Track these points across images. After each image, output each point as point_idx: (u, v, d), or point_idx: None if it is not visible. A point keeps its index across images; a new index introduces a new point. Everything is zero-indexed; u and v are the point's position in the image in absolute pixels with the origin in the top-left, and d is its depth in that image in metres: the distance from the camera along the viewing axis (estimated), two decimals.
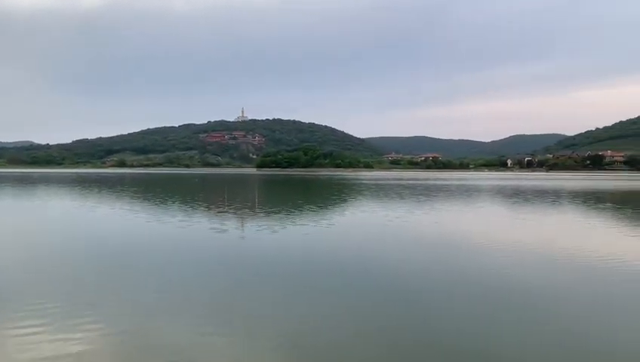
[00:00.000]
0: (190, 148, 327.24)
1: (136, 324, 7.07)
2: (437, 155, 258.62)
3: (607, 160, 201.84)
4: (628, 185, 63.04)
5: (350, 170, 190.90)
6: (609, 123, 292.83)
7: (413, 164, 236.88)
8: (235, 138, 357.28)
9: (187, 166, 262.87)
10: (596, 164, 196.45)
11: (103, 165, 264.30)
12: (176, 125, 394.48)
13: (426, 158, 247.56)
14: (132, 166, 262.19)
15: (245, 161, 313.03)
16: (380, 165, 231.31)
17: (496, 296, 8.67)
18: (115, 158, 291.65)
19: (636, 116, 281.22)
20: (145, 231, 16.95)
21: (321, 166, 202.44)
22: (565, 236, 16.51)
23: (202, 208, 25.46)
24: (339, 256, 12.31)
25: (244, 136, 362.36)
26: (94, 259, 11.85)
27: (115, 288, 9.03)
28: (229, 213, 22.79)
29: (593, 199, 34.88)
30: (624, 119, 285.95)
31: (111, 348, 6.23)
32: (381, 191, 43.94)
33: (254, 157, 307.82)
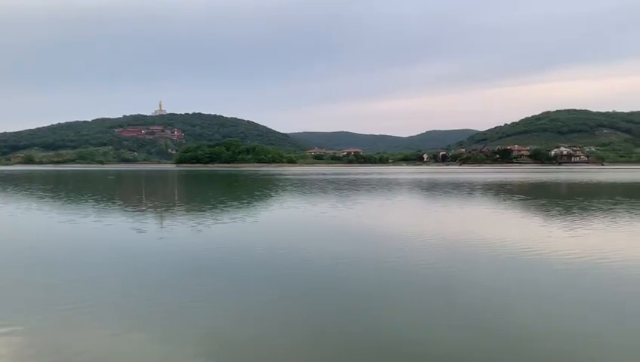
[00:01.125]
0: (104, 144, 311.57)
1: (42, 326, 6.63)
2: (358, 150, 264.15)
3: (514, 154, 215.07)
4: (534, 177, 67.59)
5: (274, 165, 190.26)
6: (516, 119, 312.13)
7: (335, 159, 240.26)
8: (152, 133, 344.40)
9: (101, 162, 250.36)
10: (505, 157, 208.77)
11: (8, 162, 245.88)
12: (90, 120, 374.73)
13: (348, 153, 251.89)
14: (41, 163, 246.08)
15: (164, 156, 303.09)
16: (304, 160, 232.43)
17: (420, 287, 8.97)
18: (22, 155, 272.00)
19: (540, 113, 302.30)
20: (56, 231, 15.95)
21: (244, 161, 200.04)
22: (483, 226, 17.41)
23: (118, 207, 24.35)
24: (264, 251, 12.22)
25: (163, 130, 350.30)
26: None
27: (17, 289, 8.41)
28: (147, 211, 21.97)
29: (504, 191, 37.07)
30: (529, 115, 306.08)
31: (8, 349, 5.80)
32: (305, 186, 44.19)
33: (173, 152, 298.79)
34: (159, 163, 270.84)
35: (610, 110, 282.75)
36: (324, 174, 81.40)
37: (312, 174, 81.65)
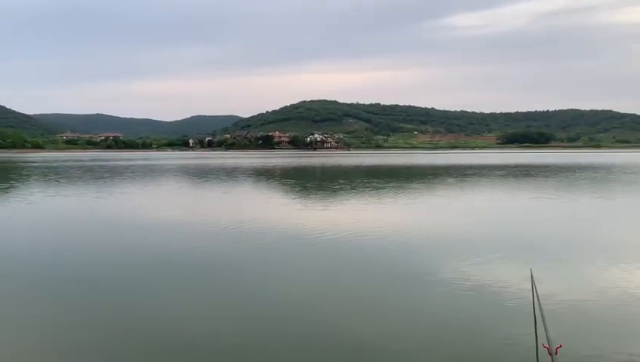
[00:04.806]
0: None
1: None
2: (118, 135, 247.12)
3: (275, 140, 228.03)
4: (295, 161, 73.13)
5: (15, 150, 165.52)
6: (276, 107, 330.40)
7: (92, 144, 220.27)
8: None
9: None
10: (267, 143, 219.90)
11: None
12: None
13: (107, 138, 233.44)
14: None
15: None
16: (54, 145, 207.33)
17: (187, 272, 9.29)
18: None
19: (297, 102, 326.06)
20: None
21: None
22: (250, 208, 18.45)
23: None
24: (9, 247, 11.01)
25: None
26: None
27: None
28: None
29: (266, 174, 39.44)
30: (288, 104, 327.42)
31: None
32: (57, 174, 39.94)
33: None
34: None
35: (354, 102, 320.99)
36: (80, 161, 74.42)
37: (65, 161, 73.81)
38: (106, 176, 37.42)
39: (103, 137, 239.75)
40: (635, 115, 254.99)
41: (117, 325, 6.39)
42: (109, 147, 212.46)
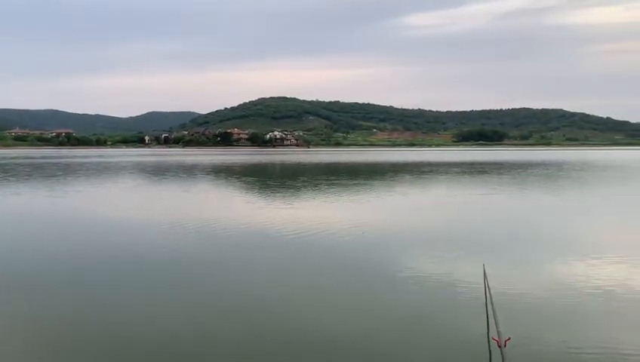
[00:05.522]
0: None
1: None
2: (70, 131, 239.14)
3: (234, 137, 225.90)
4: (255, 159, 72.68)
5: None
6: (235, 104, 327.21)
7: (43, 141, 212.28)
8: None
9: None
10: (226, 140, 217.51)
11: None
12: None
13: (59, 134, 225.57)
14: None
15: None
16: (2, 142, 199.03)
17: (146, 264, 9.21)
18: None
19: (256, 99, 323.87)
20: None
21: None
22: (212, 207, 18.31)
23: None
24: None
25: None
26: None
27: None
28: None
29: (226, 172, 39.12)
30: (247, 101, 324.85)
31: None
32: (5, 172, 38.45)
33: None
34: None
35: (314, 99, 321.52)
36: (30, 158, 71.74)
37: (14, 158, 71.01)
38: (59, 174, 36.28)
39: (54, 134, 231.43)
40: (583, 114, 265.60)
41: (66, 323, 6.31)
42: (60, 144, 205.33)
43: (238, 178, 33.35)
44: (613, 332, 6.13)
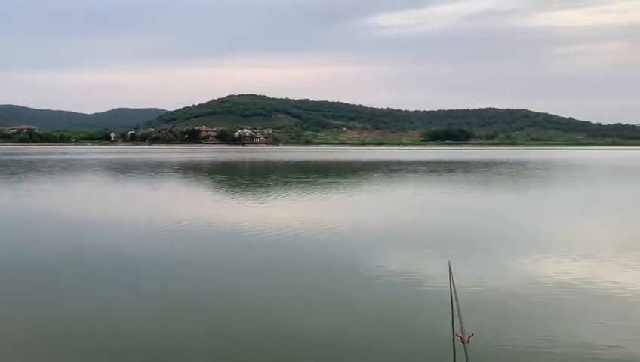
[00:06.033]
0: None
1: None
2: (32, 127, 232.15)
3: (202, 134, 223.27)
4: (223, 157, 72.15)
5: None
6: (203, 101, 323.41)
7: (3, 137, 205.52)
8: None
9: None
10: (193, 137, 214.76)
11: None
12: None
13: (20, 130, 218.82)
14: None
15: None
16: None
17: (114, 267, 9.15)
18: None
19: (225, 96, 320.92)
20: None
21: None
22: (181, 206, 18.16)
23: None
24: None
25: None
26: None
27: None
28: None
29: (194, 170, 38.78)
30: (215, 98, 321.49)
31: None
32: None
33: None
34: None
35: (284, 97, 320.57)
36: None
37: None
38: (21, 171, 35.29)
39: (15, 130, 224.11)
40: (547, 114, 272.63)
41: (29, 325, 6.26)
42: (22, 140, 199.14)
43: (207, 176, 33.12)
44: (576, 327, 6.38)
